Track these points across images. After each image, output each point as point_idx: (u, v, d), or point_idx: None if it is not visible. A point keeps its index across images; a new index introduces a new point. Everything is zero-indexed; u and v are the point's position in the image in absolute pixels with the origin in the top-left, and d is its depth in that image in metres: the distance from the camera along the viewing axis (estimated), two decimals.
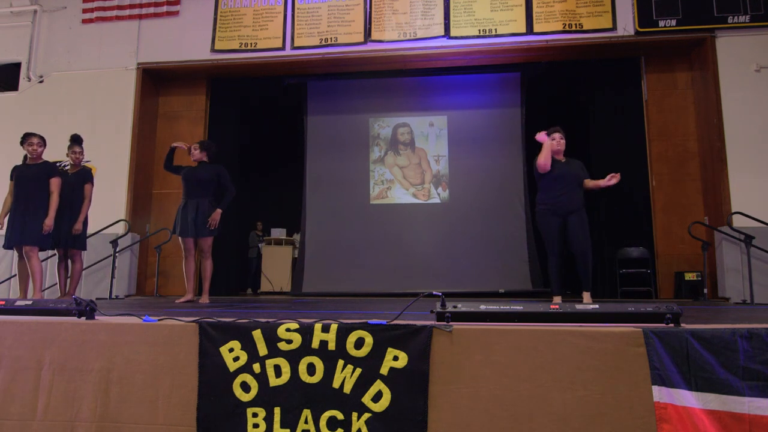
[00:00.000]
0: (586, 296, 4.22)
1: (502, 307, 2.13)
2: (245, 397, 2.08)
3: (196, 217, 4.83)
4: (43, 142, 4.74)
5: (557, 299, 4.20)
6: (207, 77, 7.34)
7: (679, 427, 1.84)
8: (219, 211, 4.86)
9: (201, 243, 4.87)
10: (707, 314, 3.32)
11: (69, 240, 4.84)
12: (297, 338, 2.09)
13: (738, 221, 5.64)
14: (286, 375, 2.07)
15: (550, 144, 4.23)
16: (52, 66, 7.07)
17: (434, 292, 2.21)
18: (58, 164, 5.07)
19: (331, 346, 2.06)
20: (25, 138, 4.68)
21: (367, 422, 1.99)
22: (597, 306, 2.09)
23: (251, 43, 6.80)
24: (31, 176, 4.59)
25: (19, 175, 4.61)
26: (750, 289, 5.36)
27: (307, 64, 7.00)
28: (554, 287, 4.28)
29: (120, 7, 7.06)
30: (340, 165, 8.03)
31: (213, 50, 6.84)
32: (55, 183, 4.62)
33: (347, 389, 2.03)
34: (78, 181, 4.91)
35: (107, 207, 6.58)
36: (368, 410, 2.00)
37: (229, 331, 2.14)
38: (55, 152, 6.80)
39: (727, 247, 5.73)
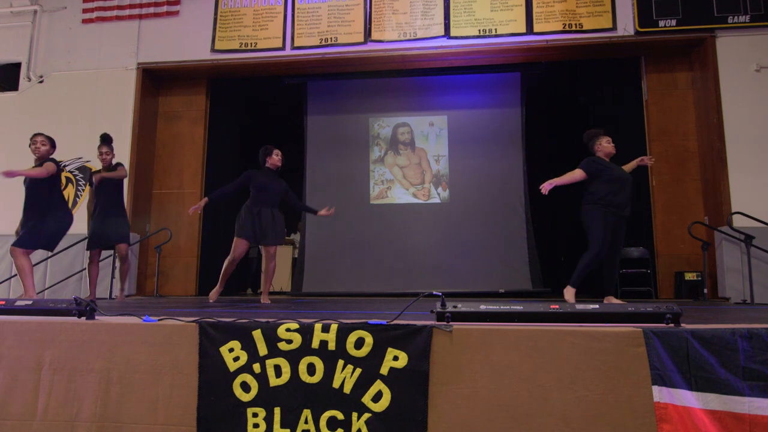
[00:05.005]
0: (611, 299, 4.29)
1: (502, 307, 2.13)
2: (245, 397, 2.08)
3: (273, 224, 4.90)
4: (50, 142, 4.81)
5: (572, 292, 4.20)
6: (207, 77, 7.34)
7: (679, 427, 1.84)
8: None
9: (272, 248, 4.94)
10: (707, 314, 3.32)
11: (117, 236, 4.98)
12: (297, 338, 2.09)
13: (738, 221, 5.64)
14: (286, 375, 2.07)
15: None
16: (52, 66, 7.07)
17: (434, 292, 2.21)
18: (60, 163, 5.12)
19: (331, 346, 2.07)
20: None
21: (367, 422, 1.99)
22: (597, 306, 2.09)
23: (251, 43, 6.80)
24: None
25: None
26: (750, 289, 5.36)
27: (307, 64, 7.00)
28: (577, 281, 4.24)
29: (120, 7, 7.05)
30: (340, 165, 8.03)
31: (213, 50, 6.84)
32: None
33: (347, 389, 2.03)
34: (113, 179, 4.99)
35: None
36: (368, 410, 2.00)
37: (229, 331, 2.14)
38: (56, 153, 6.82)
39: (727, 247, 5.72)
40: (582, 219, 4.34)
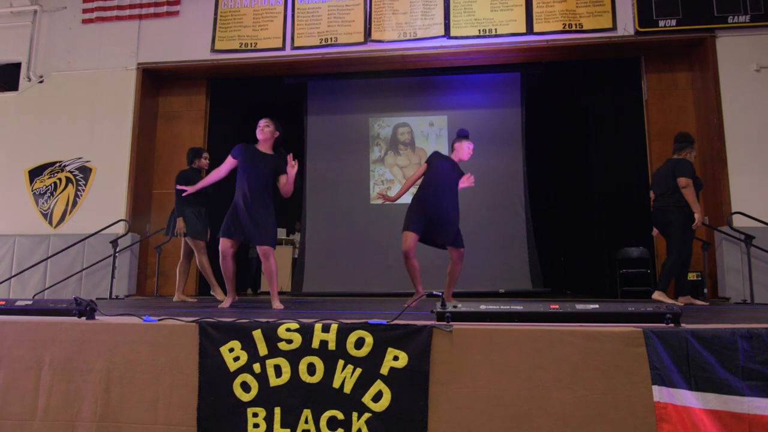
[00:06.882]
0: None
1: (502, 307, 2.14)
2: (245, 397, 2.08)
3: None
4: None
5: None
6: (207, 77, 7.34)
7: (679, 427, 1.84)
8: None
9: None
10: (707, 314, 3.32)
11: None
12: (297, 338, 2.09)
13: (738, 221, 5.63)
14: (286, 375, 2.07)
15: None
16: (52, 66, 7.06)
17: (434, 292, 2.21)
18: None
19: (332, 346, 2.07)
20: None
21: (367, 422, 1.99)
22: (597, 306, 2.09)
23: (251, 43, 6.80)
24: None
25: None
26: (750, 289, 5.35)
27: (307, 64, 7.00)
28: (666, 285, 4.69)
29: (120, 7, 7.05)
30: (340, 165, 8.02)
31: (213, 50, 6.84)
32: None
33: (347, 389, 2.03)
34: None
35: (107, 207, 6.58)
36: (368, 410, 2.00)
37: (230, 331, 2.14)
38: (53, 152, 6.83)
39: (727, 247, 5.72)
40: (675, 221, 4.57)
